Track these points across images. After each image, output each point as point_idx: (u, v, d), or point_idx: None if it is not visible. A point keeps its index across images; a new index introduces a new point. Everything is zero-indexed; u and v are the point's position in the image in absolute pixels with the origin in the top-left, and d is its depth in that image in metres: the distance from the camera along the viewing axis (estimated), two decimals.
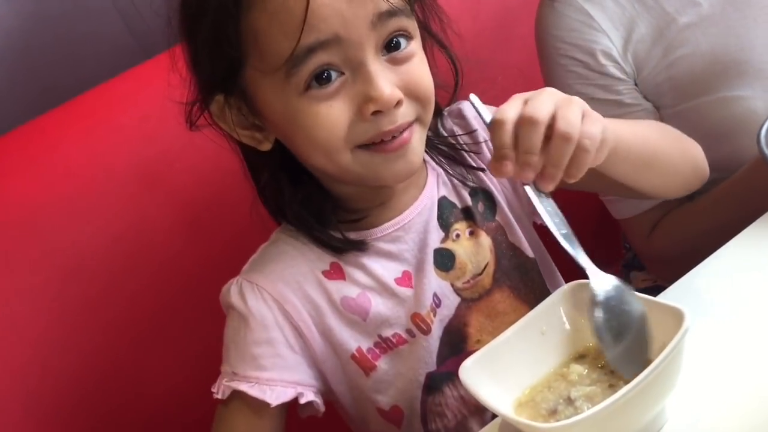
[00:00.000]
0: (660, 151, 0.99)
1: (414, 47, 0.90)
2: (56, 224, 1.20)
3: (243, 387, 0.96)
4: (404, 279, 0.99)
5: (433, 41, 0.99)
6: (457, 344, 0.99)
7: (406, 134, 0.89)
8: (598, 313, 0.80)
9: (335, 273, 0.99)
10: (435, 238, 1.00)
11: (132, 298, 1.22)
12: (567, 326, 0.86)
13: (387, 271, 0.98)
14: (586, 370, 0.82)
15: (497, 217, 1.03)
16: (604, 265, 1.05)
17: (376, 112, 0.86)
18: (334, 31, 0.84)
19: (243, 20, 0.85)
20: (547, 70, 1.22)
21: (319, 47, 0.84)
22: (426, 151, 0.98)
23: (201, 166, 1.25)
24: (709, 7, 1.14)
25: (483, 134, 1.04)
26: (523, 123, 0.80)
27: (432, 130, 1.02)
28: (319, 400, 0.99)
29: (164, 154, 1.25)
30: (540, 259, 1.06)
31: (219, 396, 0.98)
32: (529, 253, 1.04)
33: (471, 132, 1.05)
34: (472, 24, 1.39)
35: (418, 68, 0.90)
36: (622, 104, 1.16)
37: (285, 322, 0.97)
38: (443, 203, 1.02)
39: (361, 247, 0.98)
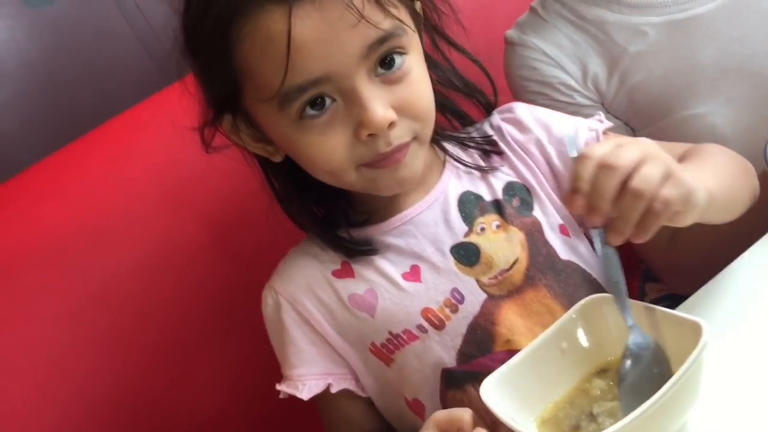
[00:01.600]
0: (738, 192, 0.96)
1: (410, 63, 0.91)
2: (86, 251, 1.21)
3: (282, 387, 1.02)
4: (413, 273, 0.99)
5: (446, 45, 1.01)
6: (483, 343, 0.97)
7: (404, 150, 0.92)
8: (627, 365, 0.80)
9: (345, 272, 1.01)
10: (456, 232, 1.00)
11: (163, 322, 1.23)
12: (587, 341, 0.86)
13: (394, 265, 1.00)
14: (609, 385, 0.83)
15: (535, 213, 1.02)
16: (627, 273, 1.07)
17: (371, 135, 0.88)
18: (322, 70, 0.86)
19: (234, 54, 0.88)
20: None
21: (309, 85, 0.86)
22: (446, 148, 1.03)
23: (226, 188, 1.27)
24: (656, 34, 1.18)
25: (540, 136, 1.04)
26: (602, 166, 0.77)
27: (464, 124, 1.07)
28: (355, 388, 1.03)
29: (189, 177, 1.27)
30: (585, 267, 1.04)
31: (281, 396, 1.03)
32: (564, 255, 1.02)
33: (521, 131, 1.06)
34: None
35: (415, 86, 0.91)
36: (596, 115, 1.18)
37: (301, 321, 1.02)
38: (466, 197, 1.02)
39: (368, 246, 1.00)
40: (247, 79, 0.89)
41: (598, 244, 0.81)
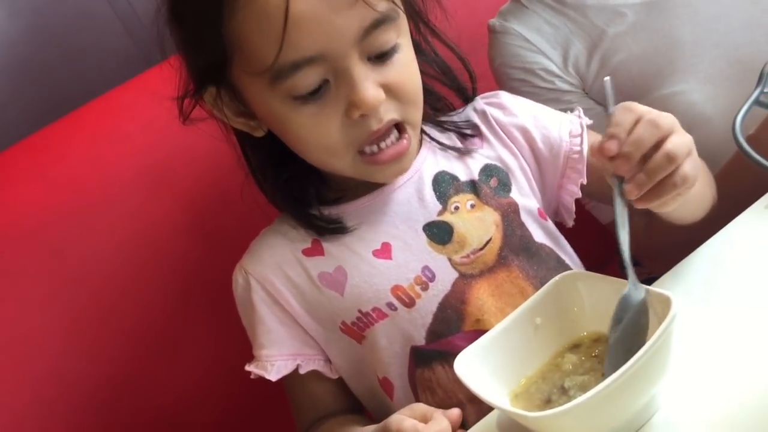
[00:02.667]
0: (705, 201, 0.99)
1: (401, 45, 0.91)
2: (64, 233, 1.21)
3: (251, 367, 1.02)
4: (383, 250, 0.99)
5: (429, 31, 1.01)
6: (453, 322, 0.97)
7: (404, 143, 0.92)
8: (621, 314, 0.80)
9: (314, 250, 1.01)
10: (429, 210, 1.00)
11: (141, 304, 1.23)
12: (561, 317, 0.86)
13: (364, 242, 0.99)
14: (580, 360, 0.83)
15: (512, 194, 1.03)
16: (603, 263, 1.07)
17: (362, 115, 0.88)
18: (318, 48, 0.85)
19: (226, 25, 0.86)
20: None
21: (304, 63, 0.86)
22: (423, 129, 1.03)
23: (205, 171, 1.27)
24: (634, 14, 1.20)
25: (524, 121, 1.05)
26: (645, 121, 0.80)
27: (443, 110, 1.07)
28: (324, 369, 1.02)
29: (168, 160, 1.26)
30: (560, 253, 1.05)
31: (252, 377, 1.02)
32: (538, 238, 1.03)
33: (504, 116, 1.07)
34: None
35: (404, 68, 0.92)
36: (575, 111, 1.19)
37: (270, 301, 1.02)
38: (441, 176, 1.02)
39: (339, 223, 1.00)
40: (238, 51, 0.88)
41: (617, 195, 0.82)
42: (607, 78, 0.85)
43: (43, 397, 1.17)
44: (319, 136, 0.91)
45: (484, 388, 0.80)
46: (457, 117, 1.08)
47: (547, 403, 0.80)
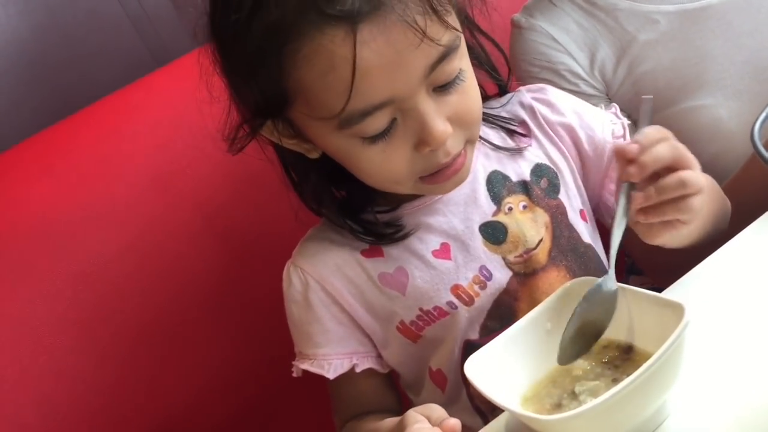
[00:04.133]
0: (712, 233, 0.98)
1: (463, 69, 0.89)
2: (70, 231, 1.21)
3: (305, 365, 1.02)
4: (442, 251, 1.00)
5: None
6: (505, 317, 0.99)
7: (460, 160, 0.92)
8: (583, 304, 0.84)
9: (373, 251, 1.01)
10: (484, 211, 1.01)
11: (147, 303, 1.23)
12: None
13: (424, 243, 1.00)
14: (591, 365, 0.83)
15: (560, 196, 1.04)
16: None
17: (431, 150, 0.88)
18: (387, 94, 0.83)
19: (286, 74, 0.84)
20: None
21: (373, 110, 0.84)
22: None
23: (213, 172, 1.26)
24: (667, 23, 1.18)
25: (571, 120, 1.05)
26: (670, 143, 0.84)
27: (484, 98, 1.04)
28: (377, 365, 1.04)
29: (176, 160, 1.26)
30: (596, 249, 1.06)
31: (294, 374, 1.04)
32: (585, 238, 1.04)
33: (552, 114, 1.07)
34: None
35: (468, 95, 0.90)
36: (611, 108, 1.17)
37: (329, 301, 1.02)
38: (494, 177, 1.03)
39: (398, 228, 1.00)
40: (300, 98, 0.86)
41: (622, 197, 0.85)
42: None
43: (46, 396, 1.17)
44: (387, 171, 0.90)
45: (494, 391, 0.80)
46: (503, 110, 1.07)
47: (558, 407, 0.80)
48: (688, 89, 1.18)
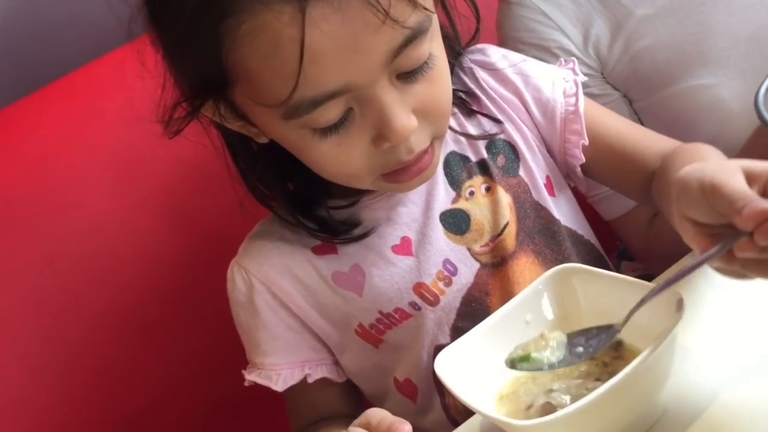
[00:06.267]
0: None
1: (433, 54, 0.79)
2: (34, 211, 1.18)
3: (253, 377, 0.95)
4: (402, 246, 0.92)
5: None
6: (478, 316, 0.86)
7: (426, 157, 0.83)
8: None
9: (325, 248, 0.93)
10: (443, 198, 0.93)
11: (113, 287, 1.19)
12: (553, 313, 0.81)
13: (382, 238, 0.92)
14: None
15: (521, 173, 0.95)
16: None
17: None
18: (340, 82, 0.74)
19: (225, 53, 0.74)
20: None
21: (324, 98, 0.75)
22: None
23: (184, 152, 1.19)
24: None
25: (515, 82, 0.97)
26: None
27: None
28: (332, 374, 0.96)
29: (146, 139, 1.18)
30: (575, 228, 0.98)
31: (246, 385, 0.96)
32: (556, 214, 0.95)
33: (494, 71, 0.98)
34: None
35: (437, 84, 0.81)
36: (591, 96, 1.12)
37: (276, 304, 0.94)
38: (451, 159, 0.94)
39: (354, 224, 0.92)
40: (242, 80, 0.76)
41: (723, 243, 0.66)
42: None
43: (6, 382, 1.13)
44: (341, 166, 0.81)
45: (465, 390, 0.74)
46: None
47: (529, 408, 0.74)
48: (688, 67, 1.12)
